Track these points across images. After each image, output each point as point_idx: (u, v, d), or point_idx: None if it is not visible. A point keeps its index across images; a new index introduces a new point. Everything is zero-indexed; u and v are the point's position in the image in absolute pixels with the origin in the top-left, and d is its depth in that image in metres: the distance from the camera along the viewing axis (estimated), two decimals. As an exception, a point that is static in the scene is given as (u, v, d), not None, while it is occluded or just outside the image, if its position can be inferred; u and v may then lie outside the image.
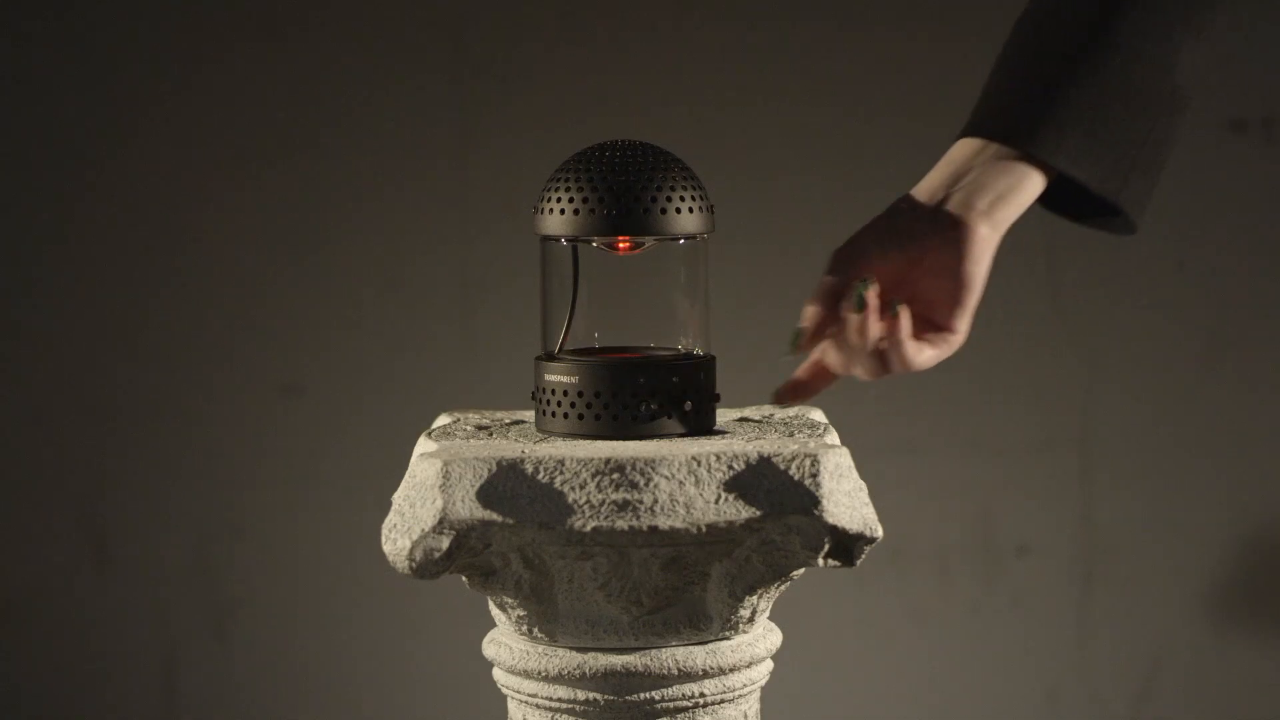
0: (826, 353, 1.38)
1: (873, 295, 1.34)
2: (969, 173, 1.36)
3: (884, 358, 1.35)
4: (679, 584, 1.35)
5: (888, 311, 1.34)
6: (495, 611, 1.41)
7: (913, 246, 1.36)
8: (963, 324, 1.36)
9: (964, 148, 1.38)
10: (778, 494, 1.31)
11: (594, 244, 1.41)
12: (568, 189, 1.38)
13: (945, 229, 1.35)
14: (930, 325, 1.36)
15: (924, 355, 1.35)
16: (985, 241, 1.35)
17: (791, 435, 1.40)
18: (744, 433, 1.41)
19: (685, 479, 1.32)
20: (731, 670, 1.39)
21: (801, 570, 1.36)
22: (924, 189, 1.37)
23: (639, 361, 1.40)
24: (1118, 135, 1.37)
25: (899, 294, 1.35)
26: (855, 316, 1.34)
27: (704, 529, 1.31)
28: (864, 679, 2.92)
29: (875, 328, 1.34)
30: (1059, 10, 1.41)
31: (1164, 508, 2.90)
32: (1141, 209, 1.41)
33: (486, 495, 1.31)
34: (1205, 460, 2.90)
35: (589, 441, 1.37)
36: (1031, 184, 1.36)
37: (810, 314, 1.36)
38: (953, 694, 2.92)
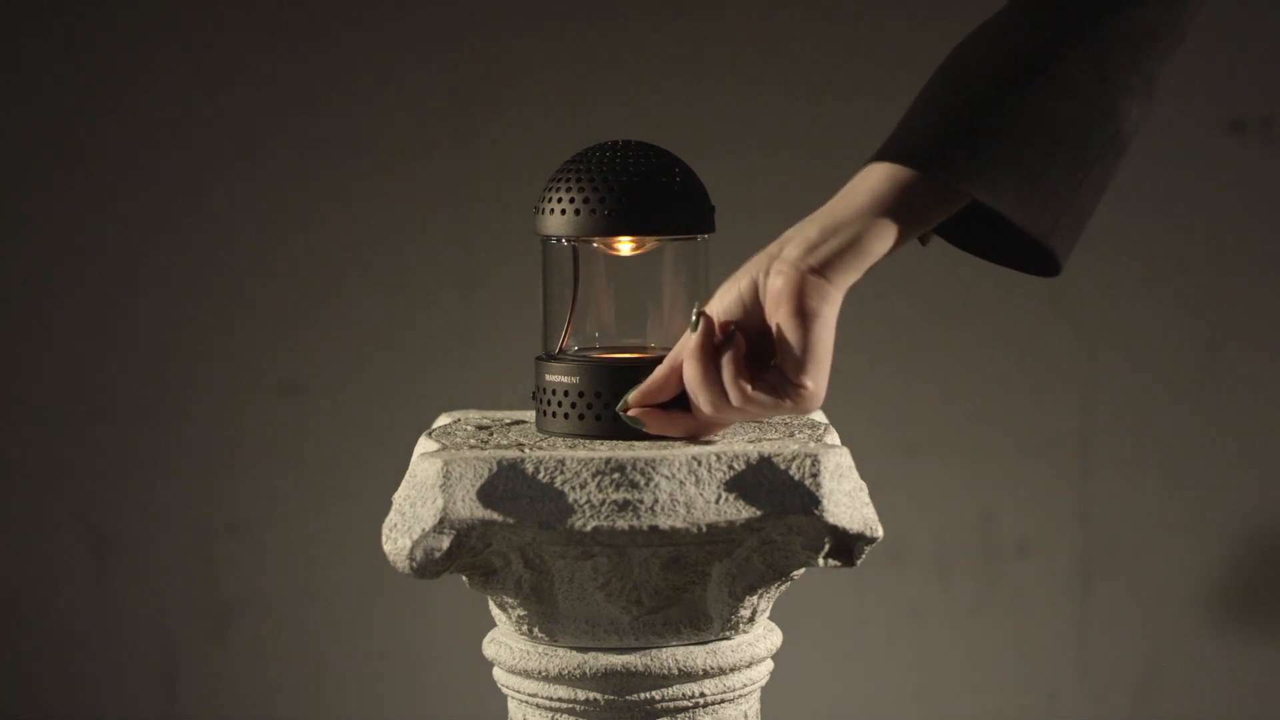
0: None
1: (707, 321, 1.32)
2: (839, 206, 1.32)
3: (707, 379, 1.31)
4: (679, 584, 1.35)
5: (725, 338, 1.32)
6: (495, 611, 1.41)
7: (751, 294, 1.32)
8: (806, 379, 1.29)
9: (863, 176, 1.33)
10: (778, 494, 1.31)
11: (594, 244, 1.41)
12: (568, 189, 1.38)
13: (780, 276, 1.31)
14: (784, 380, 1.31)
15: (758, 394, 1.30)
16: (818, 291, 1.30)
17: (792, 435, 1.40)
18: (744, 433, 1.41)
19: (686, 479, 1.32)
20: (732, 670, 1.39)
21: (802, 570, 1.36)
22: (801, 225, 1.33)
23: (639, 362, 1.40)
24: (1048, 170, 1.31)
25: (763, 340, 1.32)
26: (692, 335, 1.32)
27: (704, 529, 1.31)
28: (864, 679, 2.92)
29: (708, 350, 1.31)
30: (993, 41, 1.36)
31: (1164, 508, 2.90)
32: (1068, 251, 1.35)
33: (487, 495, 1.31)
34: (1205, 460, 2.90)
35: (589, 441, 1.37)
36: (904, 226, 1.31)
37: (656, 377, 1.36)
38: (953, 694, 2.92)
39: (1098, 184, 1.35)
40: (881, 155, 1.33)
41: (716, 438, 1.38)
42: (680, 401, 1.36)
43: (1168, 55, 1.35)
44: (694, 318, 1.32)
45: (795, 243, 1.31)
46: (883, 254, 1.32)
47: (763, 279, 1.32)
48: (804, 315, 1.29)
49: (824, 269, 1.30)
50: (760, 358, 1.33)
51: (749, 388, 1.31)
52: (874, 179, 1.32)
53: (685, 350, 1.33)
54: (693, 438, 1.36)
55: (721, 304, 1.33)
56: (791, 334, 1.29)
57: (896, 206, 1.31)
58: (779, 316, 1.30)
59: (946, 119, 1.32)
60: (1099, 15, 1.33)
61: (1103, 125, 1.33)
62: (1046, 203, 1.32)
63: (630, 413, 1.36)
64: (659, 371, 1.35)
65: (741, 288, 1.32)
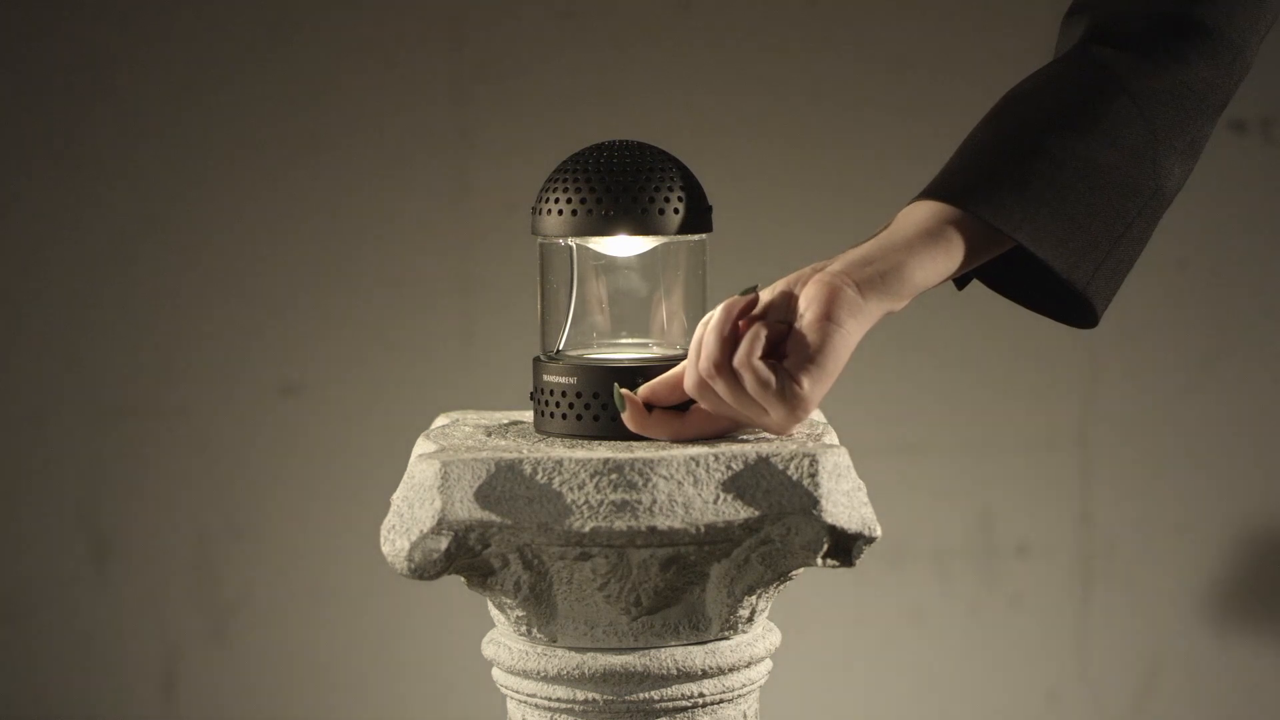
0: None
1: (755, 295, 1.33)
2: (885, 237, 1.34)
3: (721, 334, 1.31)
4: (678, 584, 1.35)
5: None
6: (494, 612, 1.41)
7: (785, 298, 1.34)
8: (805, 379, 1.30)
9: (910, 211, 1.35)
10: (776, 494, 1.31)
11: (591, 244, 1.41)
12: (565, 189, 1.38)
13: (818, 284, 1.32)
14: (784, 373, 1.32)
15: (760, 365, 1.30)
16: (851, 305, 1.31)
17: (790, 435, 1.40)
18: (742, 432, 1.41)
19: (684, 479, 1.32)
20: (731, 670, 1.39)
21: (801, 570, 1.36)
22: (848, 249, 1.35)
23: (637, 362, 1.40)
24: (1090, 221, 1.34)
25: (783, 343, 1.33)
26: (732, 299, 1.34)
27: (703, 529, 1.31)
28: (864, 679, 2.92)
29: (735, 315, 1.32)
30: (1043, 91, 1.38)
31: (1164, 508, 2.90)
32: (1106, 303, 1.38)
33: (485, 496, 1.31)
34: (1205, 460, 2.90)
35: (587, 442, 1.37)
36: (946, 261, 1.34)
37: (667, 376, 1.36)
38: (953, 694, 2.92)
39: (1137, 238, 1.37)
40: (930, 194, 1.35)
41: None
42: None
43: (1213, 118, 1.38)
44: (745, 290, 1.34)
45: (841, 260, 1.33)
46: (923, 287, 1.34)
47: (800, 285, 1.33)
48: (828, 320, 1.31)
49: (862, 287, 1.32)
50: (776, 358, 1.33)
51: (757, 355, 1.31)
52: (920, 215, 1.34)
53: (721, 306, 1.33)
54: (672, 440, 1.36)
55: (773, 291, 1.35)
56: (810, 335, 1.31)
57: (941, 243, 1.34)
58: (805, 317, 1.31)
59: (994, 163, 1.34)
60: (1150, 73, 1.35)
61: (1146, 181, 1.35)
62: (1087, 252, 1.35)
63: (623, 390, 1.36)
64: (675, 370, 1.36)
65: (778, 290, 1.34)
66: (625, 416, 1.36)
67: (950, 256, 1.35)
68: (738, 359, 1.31)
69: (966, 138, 1.39)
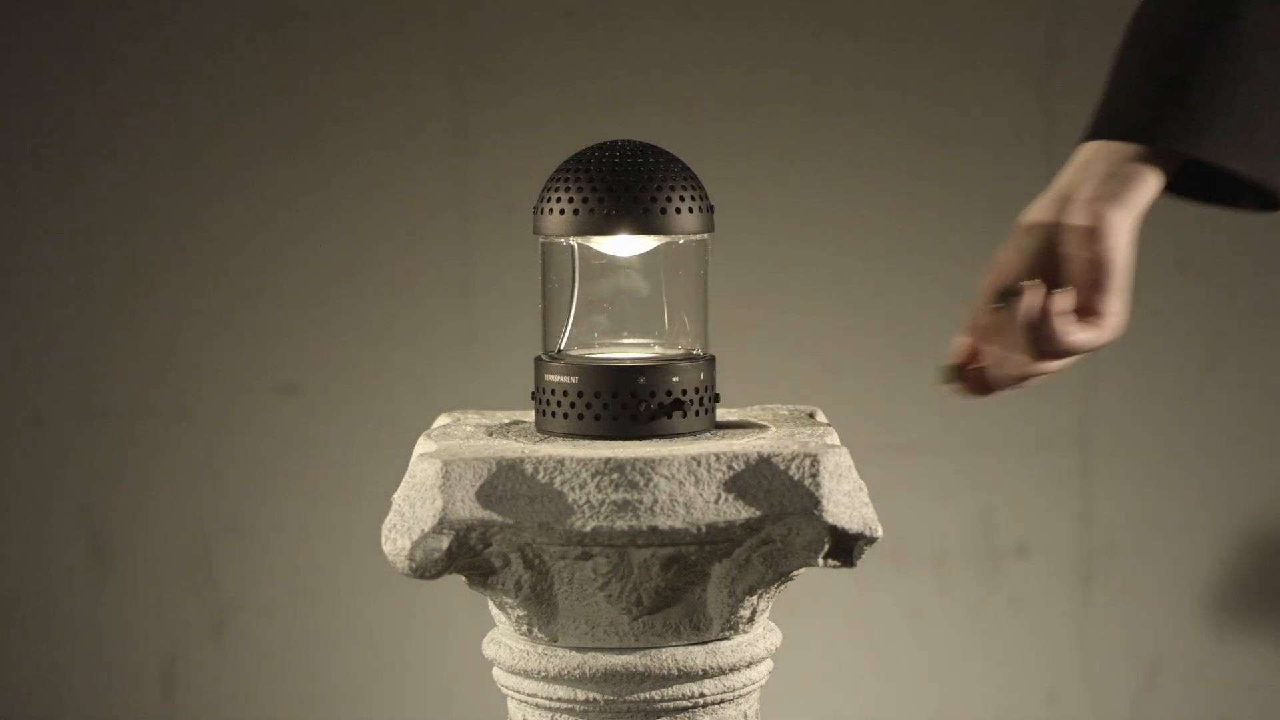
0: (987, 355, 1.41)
1: (1022, 296, 1.38)
2: (1091, 170, 1.38)
3: (1038, 335, 1.37)
4: (679, 584, 1.35)
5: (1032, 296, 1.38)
6: (495, 611, 1.41)
7: (1048, 250, 1.38)
8: (1110, 305, 1.37)
9: (1086, 151, 1.40)
10: (777, 494, 1.31)
11: (594, 244, 1.41)
12: (567, 189, 1.39)
13: (1074, 221, 1.37)
14: (1088, 314, 1.38)
15: (1080, 335, 1.37)
16: (1114, 223, 1.37)
17: (791, 435, 1.40)
18: (744, 433, 1.41)
19: (685, 479, 1.32)
20: (731, 670, 1.39)
21: (801, 570, 1.36)
22: (1047, 197, 1.40)
23: (639, 362, 1.40)
24: (1261, 123, 1.39)
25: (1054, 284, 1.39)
26: (1003, 311, 1.39)
27: (704, 529, 1.31)
28: (864, 679, 2.92)
29: (1024, 311, 1.37)
30: (1174, 10, 1.42)
31: (1164, 508, 2.90)
32: None
33: (486, 495, 1.31)
34: (1205, 460, 2.90)
35: (589, 441, 1.37)
36: (1153, 176, 1.39)
37: (959, 345, 1.41)
38: (953, 694, 2.92)
39: None
40: (1108, 134, 1.39)
41: (715, 443, 1.38)
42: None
43: None
44: (1003, 297, 1.38)
45: (1086, 185, 1.38)
46: (1151, 200, 1.40)
47: (1059, 221, 1.38)
48: (1113, 248, 1.36)
49: (1119, 202, 1.37)
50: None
51: (1070, 334, 1.37)
52: (1107, 151, 1.39)
53: (1020, 321, 1.38)
54: (1021, 380, 1.41)
55: (1017, 263, 1.40)
56: (1103, 266, 1.36)
57: (1142, 165, 1.38)
58: (1089, 252, 1.36)
59: (1168, 94, 1.39)
60: None
61: None
62: (1266, 150, 1.39)
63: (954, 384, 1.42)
64: (963, 342, 1.41)
65: (1036, 240, 1.39)
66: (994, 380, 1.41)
67: (1157, 180, 1.39)
68: (1059, 339, 1.37)
69: (1117, 68, 1.43)
